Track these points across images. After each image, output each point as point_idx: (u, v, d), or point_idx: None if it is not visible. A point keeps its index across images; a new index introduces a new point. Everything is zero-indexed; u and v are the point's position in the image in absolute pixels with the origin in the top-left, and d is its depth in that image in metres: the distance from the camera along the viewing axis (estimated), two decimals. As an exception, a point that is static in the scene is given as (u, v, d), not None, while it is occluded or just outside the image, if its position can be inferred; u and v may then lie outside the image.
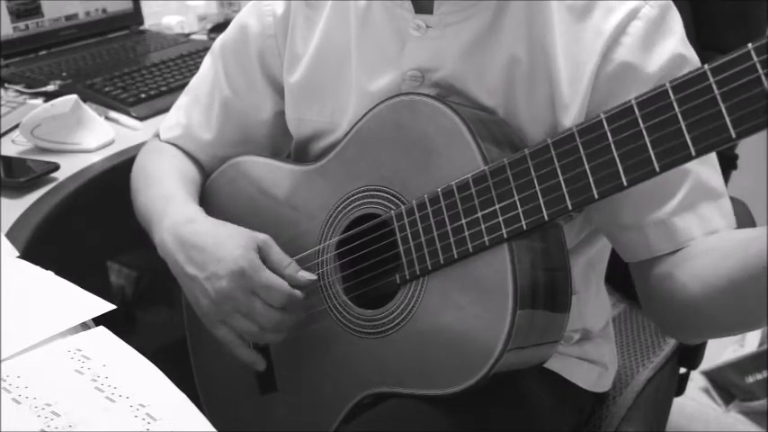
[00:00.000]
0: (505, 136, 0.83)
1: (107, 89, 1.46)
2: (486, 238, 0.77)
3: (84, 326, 0.81)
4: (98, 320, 0.82)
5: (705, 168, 0.83)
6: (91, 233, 1.37)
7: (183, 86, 1.12)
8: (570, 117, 0.83)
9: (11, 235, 1.01)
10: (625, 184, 0.69)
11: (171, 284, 0.96)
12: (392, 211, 0.84)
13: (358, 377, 0.87)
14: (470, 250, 0.78)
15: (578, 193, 0.72)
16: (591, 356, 1.02)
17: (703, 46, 1.14)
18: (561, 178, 0.73)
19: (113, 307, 0.83)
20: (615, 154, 0.70)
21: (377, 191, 0.86)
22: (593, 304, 1.00)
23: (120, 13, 1.80)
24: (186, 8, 1.92)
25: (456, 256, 0.79)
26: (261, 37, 0.99)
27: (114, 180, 1.19)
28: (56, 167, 1.18)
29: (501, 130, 0.83)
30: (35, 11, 1.65)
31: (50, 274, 0.89)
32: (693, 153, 0.65)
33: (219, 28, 1.80)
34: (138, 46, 1.73)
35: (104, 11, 1.77)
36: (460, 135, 0.80)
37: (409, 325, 0.83)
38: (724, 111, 0.63)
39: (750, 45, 0.61)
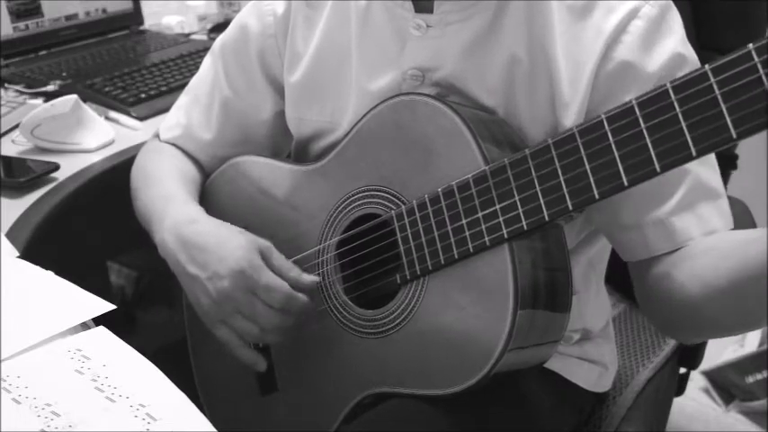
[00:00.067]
0: (506, 136, 0.83)
1: (107, 89, 1.46)
2: (486, 239, 0.77)
3: (84, 326, 0.81)
4: (98, 320, 0.82)
5: (704, 168, 0.83)
6: (91, 233, 1.37)
7: (182, 86, 1.12)
8: (570, 116, 0.83)
9: (11, 235, 1.01)
10: (626, 184, 0.69)
11: (171, 284, 0.96)
12: (392, 211, 0.84)
13: (358, 377, 0.87)
14: (471, 250, 0.78)
15: (579, 193, 0.72)
16: (591, 356, 1.02)
17: (703, 46, 1.14)
18: (562, 178, 0.73)
19: (113, 307, 0.83)
20: (616, 154, 0.70)
21: (377, 191, 0.86)
22: (593, 304, 1.00)
23: (120, 13, 1.80)
24: (186, 8, 1.92)
25: (456, 257, 0.79)
26: (261, 37, 0.99)
27: (114, 180, 1.19)
28: (56, 167, 1.18)
29: (501, 131, 0.83)
30: (35, 11, 1.65)
31: (50, 274, 0.89)
32: (694, 153, 0.65)
33: (219, 28, 1.80)
34: (138, 46, 1.73)
35: (104, 11, 1.77)
36: (461, 135, 0.80)
37: (410, 325, 0.83)
38: (725, 111, 0.63)
39: (751, 45, 0.61)
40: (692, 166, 0.80)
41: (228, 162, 1.03)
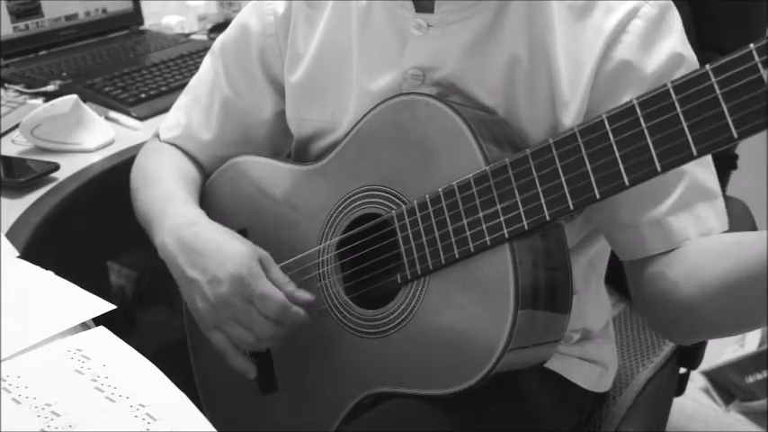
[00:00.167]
0: (506, 136, 0.83)
1: (107, 89, 1.46)
2: (487, 238, 0.77)
3: (85, 326, 0.81)
4: (98, 320, 0.82)
5: (701, 169, 0.83)
6: (91, 233, 1.37)
7: (182, 86, 1.12)
8: (570, 116, 0.83)
9: (11, 235, 1.01)
10: (627, 184, 0.69)
11: (171, 285, 0.95)
12: (393, 211, 0.84)
13: (359, 377, 0.87)
14: (472, 250, 0.78)
15: (580, 193, 0.72)
16: (591, 356, 1.02)
17: (703, 46, 1.14)
18: (563, 178, 0.73)
19: (113, 307, 0.83)
20: (617, 154, 0.70)
21: (377, 191, 0.86)
22: (593, 304, 1.00)
23: (120, 13, 1.80)
24: (186, 8, 1.91)
25: (457, 256, 0.79)
26: (262, 36, 0.99)
27: (114, 180, 1.19)
28: (56, 167, 1.18)
29: (502, 130, 0.83)
30: (35, 11, 1.65)
31: (50, 274, 0.89)
32: (695, 153, 0.65)
33: (219, 28, 1.80)
34: (138, 46, 1.72)
35: (104, 11, 1.77)
36: (462, 135, 0.80)
37: (410, 325, 0.83)
38: (726, 111, 0.63)
39: (752, 45, 0.61)
40: (689, 166, 0.80)
41: (228, 162, 1.03)
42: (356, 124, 0.89)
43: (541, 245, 0.79)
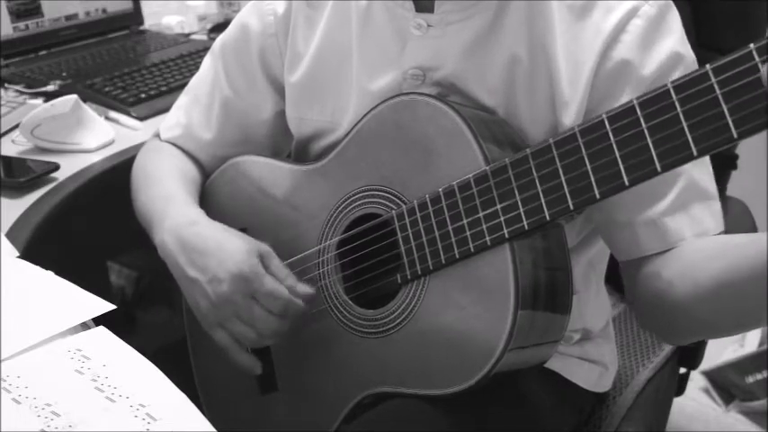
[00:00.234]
0: (506, 136, 0.83)
1: (107, 89, 1.46)
2: (487, 238, 0.77)
3: (84, 326, 0.81)
4: (98, 320, 0.82)
5: (698, 170, 0.83)
6: (91, 233, 1.37)
7: (182, 86, 1.12)
8: (570, 116, 0.83)
9: (11, 235, 1.01)
10: (627, 184, 0.69)
11: (171, 285, 0.95)
12: (393, 211, 0.84)
13: (359, 377, 0.87)
14: (472, 250, 0.78)
15: (580, 193, 0.72)
16: (591, 356, 1.02)
17: (703, 46, 1.14)
18: (563, 178, 0.73)
19: (113, 307, 0.83)
20: (617, 154, 0.70)
21: (377, 191, 0.86)
22: (593, 304, 1.00)
23: (120, 13, 1.80)
24: (186, 8, 1.91)
25: (457, 256, 0.79)
26: (262, 36, 0.99)
27: (114, 180, 1.19)
28: (56, 167, 1.18)
29: (502, 130, 0.83)
30: (35, 11, 1.65)
31: (50, 274, 0.89)
32: (695, 153, 0.65)
33: (219, 28, 1.80)
34: (138, 46, 1.72)
35: (104, 11, 1.77)
36: (462, 135, 0.80)
37: (410, 325, 0.83)
38: (726, 111, 0.63)
39: (752, 45, 0.61)
40: (687, 167, 0.80)
41: (228, 162, 1.03)
42: (356, 124, 0.89)
43: (541, 245, 0.79)
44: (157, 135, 1.10)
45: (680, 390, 1.26)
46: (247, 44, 1.00)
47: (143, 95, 1.44)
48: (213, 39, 1.46)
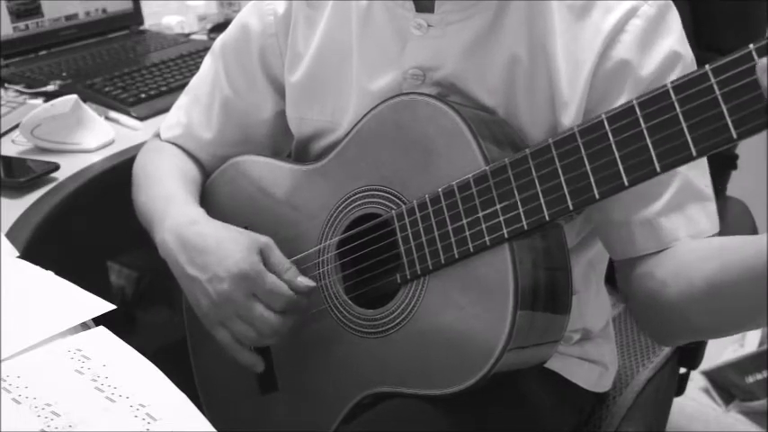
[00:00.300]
0: (506, 136, 0.83)
1: (107, 89, 1.46)
2: (486, 238, 0.77)
3: (84, 326, 0.81)
4: (98, 320, 0.82)
5: (695, 171, 0.83)
6: (91, 233, 1.37)
7: (183, 86, 1.12)
8: (569, 116, 0.83)
9: (11, 235, 1.01)
10: (626, 184, 0.70)
11: (171, 284, 0.96)
12: (393, 211, 0.84)
13: (358, 377, 0.87)
14: (471, 250, 0.78)
15: (579, 193, 0.72)
16: (591, 356, 1.02)
17: (703, 46, 1.15)
18: (562, 178, 0.73)
19: (113, 307, 0.83)
20: (616, 154, 0.70)
21: (377, 191, 0.86)
22: (593, 304, 1.00)
23: (120, 13, 1.80)
24: (186, 8, 1.91)
25: (457, 256, 0.79)
26: (262, 36, 0.99)
27: (114, 180, 1.19)
28: (56, 167, 1.18)
29: (502, 130, 0.83)
30: (35, 11, 1.65)
31: (50, 274, 0.89)
32: (694, 153, 0.65)
33: (219, 28, 1.80)
34: (138, 46, 1.72)
35: (104, 11, 1.77)
36: (461, 135, 0.80)
37: (410, 325, 0.83)
38: (725, 111, 0.63)
39: (752, 46, 0.61)
40: (683, 167, 0.80)
41: (229, 161, 1.03)
42: (356, 124, 0.89)
43: (541, 245, 0.79)
44: (158, 135, 1.10)
45: (680, 390, 1.26)
46: (247, 44, 1.00)
47: (143, 95, 1.44)
48: (213, 39, 1.46)
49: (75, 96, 1.28)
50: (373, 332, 0.86)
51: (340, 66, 0.93)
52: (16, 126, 1.30)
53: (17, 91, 1.50)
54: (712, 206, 0.84)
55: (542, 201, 0.74)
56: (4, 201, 1.11)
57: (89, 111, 1.31)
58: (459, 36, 0.86)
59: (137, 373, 0.73)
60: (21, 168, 1.20)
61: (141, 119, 1.39)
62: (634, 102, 0.68)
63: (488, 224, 0.77)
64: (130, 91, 1.45)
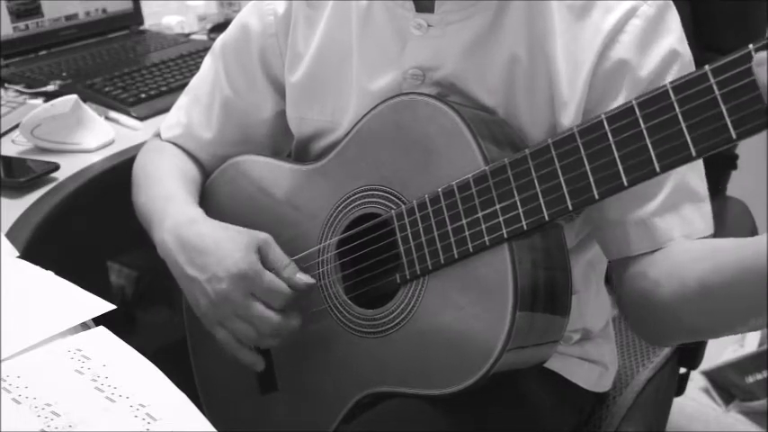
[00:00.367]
0: (506, 136, 0.83)
1: (107, 89, 1.46)
2: (486, 238, 0.77)
3: (84, 326, 0.81)
4: (98, 320, 0.82)
5: (690, 171, 0.83)
6: (91, 233, 1.37)
7: (183, 86, 1.12)
8: (569, 116, 0.83)
9: (11, 235, 1.01)
10: (626, 184, 0.70)
11: (171, 284, 0.96)
12: (392, 211, 0.84)
13: (358, 377, 0.87)
14: (471, 250, 0.78)
15: (579, 193, 0.72)
16: (591, 356, 1.02)
17: (703, 46, 1.14)
18: (562, 179, 0.73)
19: (113, 307, 0.83)
20: (616, 155, 0.70)
21: (377, 190, 0.86)
22: (593, 304, 1.00)
23: (120, 13, 1.80)
24: (186, 8, 1.91)
25: (456, 256, 0.79)
26: (262, 36, 0.99)
27: (114, 180, 1.19)
28: (56, 167, 1.18)
29: (502, 131, 0.83)
30: (35, 11, 1.65)
31: (50, 274, 0.89)
32: (694, 154, 0.65)
33: (219, 28, 1.80)
34: (138, 46, 1.72)
35: (104, 11, 1.77)
36: (461, 135, 0.80)
37: (409, 325, 0.83)
38: (725, 112, 0.63)
39: (751, 46, 0.61)
40: (679, 168, 0.80)
41: (229, 161, 1.03)
42: (356, 124, 0.89)
43: (541, 245, 0.79)
44: (158, 135, 1.10)
45: (680, 390, 1.26)
46: (248, 44, 1.01)
47: (143, 95, 1.44)
48: (213, 39, 1.46)
49: (75, 96, 1.28)
50: (373, 332, 0.86)
51: (340, 66, 0.94)
52: (16, 126, 1.30)
53: (17, 91, 1.50)
54: (707, 207, 0.84)
55: (542, 201, 0.74)
56: (4, 201, 1.11)
57: (89, 111, 1.31)
58: (458, 36, 0.86)
59: (137, 373, 0.73)
60: (21, 168, 1.20)
61: (141, 119, 1.39)
62: (633, 102, 0.68)
63: (488, 224, 0.77)
64: (130, 91, 1.45)
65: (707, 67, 0.64)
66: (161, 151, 1.07)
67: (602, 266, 1.02)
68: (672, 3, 0.84)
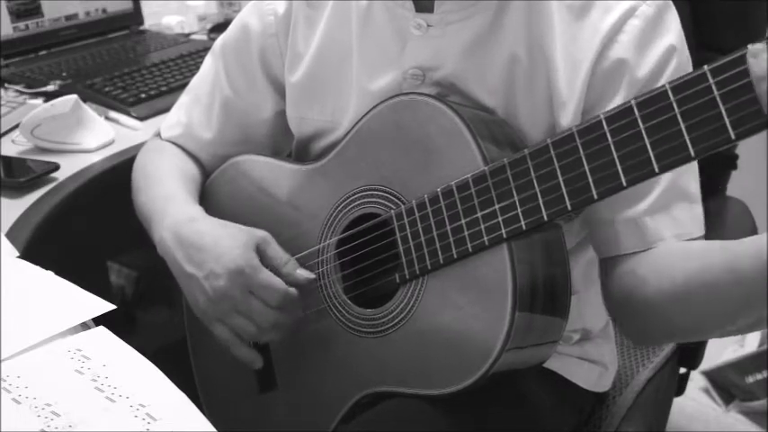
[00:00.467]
0: (505, 136, 0.83)
1: (107, 89, 1.46)
2: (485, 238, 0.77)
3: (85, 326, 0.81)
4: (98, 320, 0.82)
5: (684, 172, 0.83)
6: (91, 233, 1.37)
7: (183, 86, 1.12)
8: (567, 116, 0.83)
9: (11, 235, 1.01)
10: (624, 184, 0.70)
11: (171, 284, 0.96)
12: (392, 211, 0.84)
13: (357, 376, 0.87)
14: (470, 250, 0.78)
15: (578, 193, 0.72)
16: (591, 356, 1.02)
17: (703, 46, 1.14)
18: (561, 179, 0.73)
19: (113, 307, 0.83)
20: (615, 155, 0.70)
21: (377, 190, 0.86)
22: (593, 304, 1.00)
23: (120, 13, 1.80)
24: (186, 8, 1.91)
25: (455, 256, 0.79)
26: (262, 36, 0.99)
27: (114, 180, 1.19)
28: (56, 167, 1.18)
29: (501, 131, 0.83)
30: (35, 11, 1.65)
31: (50, 274, 0.89)
32: (693, 154, 0.65)
33: (219, 28, 1.80)
34: (138, 46, 1.73)
35: (104, 11, 1.77)
36: (461, 135, 0.80)
37: (408, 324, 0.83)
38: (724, 112, 0.63)
39: (750, 46, 0.61)
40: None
41: (229, 161, 1.03)
42: (356, 124, 0.89)
43: (540, 245, 0.79)
44: (158, 134, 1.10)
45: (680, 390, 1.26)
46: (248, 44, 1.01)
47: (143, 95, 1.44)
48: (213, 39, 1.46)
49: (75, 96, 1.29)
50: (372, 332, 0.86)
51: (340, 66, 0.94)
52: (16, 126, 1.30)
53: (17, 91, 1.50)
54: (699, 209, 0.84)
55: (541, 201, 0.74)
56: (4, 201, 1.11)
57: (89, 111, 1.31)
58: (458, 36, 0.86)
59: (137, 373, 0.73)
60: (21, 168, 1.20)
61: (141, 119, 1.39)
62: (632, 102, 0.69)
63: (487, 224, 0.77)
64: (130, 91, 1.45)
65: (706, 67, 0.64)
66: (161, 151, 1.07)
67: (601, 266, 1.02)
68: (671, 3, 0.84)
